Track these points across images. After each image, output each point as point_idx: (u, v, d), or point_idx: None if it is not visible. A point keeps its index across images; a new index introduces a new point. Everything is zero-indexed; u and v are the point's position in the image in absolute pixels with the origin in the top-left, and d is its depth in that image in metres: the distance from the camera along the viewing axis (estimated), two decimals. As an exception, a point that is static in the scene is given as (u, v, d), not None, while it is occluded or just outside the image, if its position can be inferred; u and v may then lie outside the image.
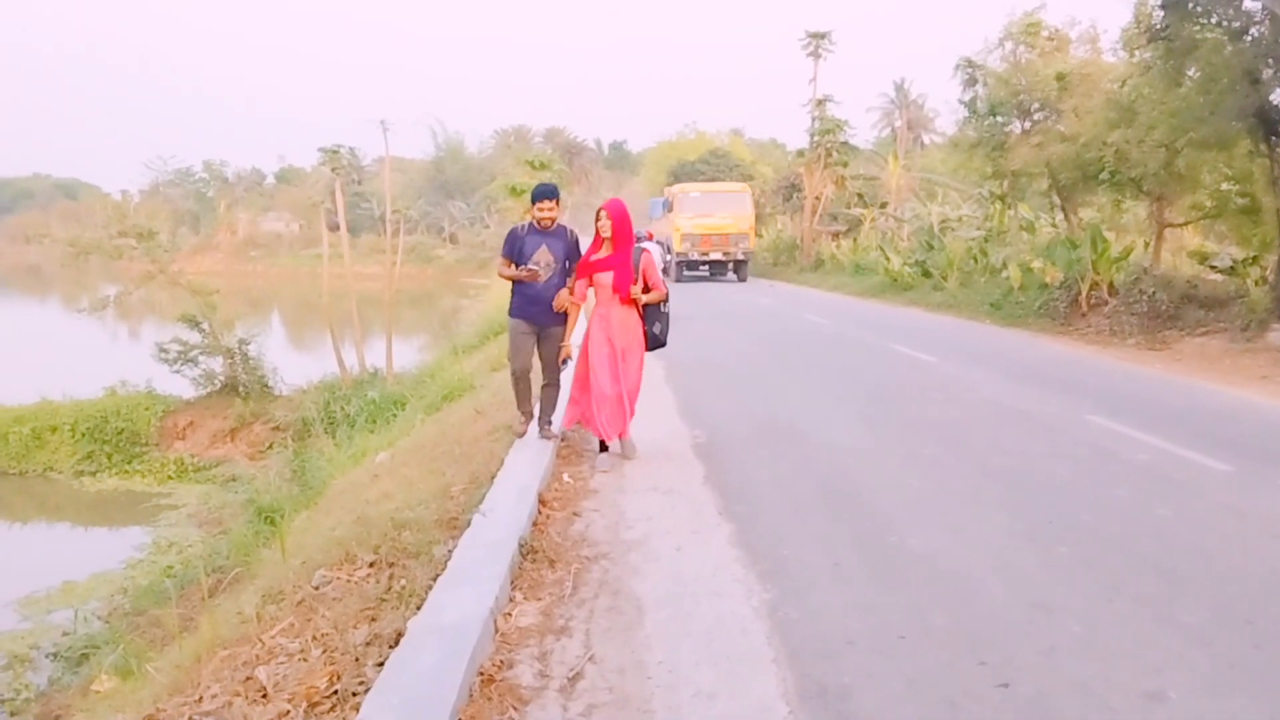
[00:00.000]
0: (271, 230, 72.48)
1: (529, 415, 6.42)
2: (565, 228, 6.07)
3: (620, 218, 6.01)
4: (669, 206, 28.90)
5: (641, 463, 6.24)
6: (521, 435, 6.36)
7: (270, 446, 16.50)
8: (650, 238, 16.19)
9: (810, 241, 36.57)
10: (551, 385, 6.36)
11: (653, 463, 6.26)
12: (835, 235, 38.84)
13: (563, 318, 6.15)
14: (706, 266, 28.76)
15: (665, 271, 21.69)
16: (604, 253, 6.08)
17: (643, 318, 6.22)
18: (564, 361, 6.18)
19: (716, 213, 28.17)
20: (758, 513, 5.29)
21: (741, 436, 7.26)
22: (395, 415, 12.97)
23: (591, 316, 6.23)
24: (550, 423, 6.41)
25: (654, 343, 6.29)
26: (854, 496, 5.64)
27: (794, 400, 8.85)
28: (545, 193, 6.02)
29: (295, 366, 21.12)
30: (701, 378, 10.18)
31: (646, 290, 6.17)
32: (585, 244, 6.25)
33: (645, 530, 4.93)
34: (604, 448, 6.33)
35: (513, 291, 6.05)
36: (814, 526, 5.04)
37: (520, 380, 6.35)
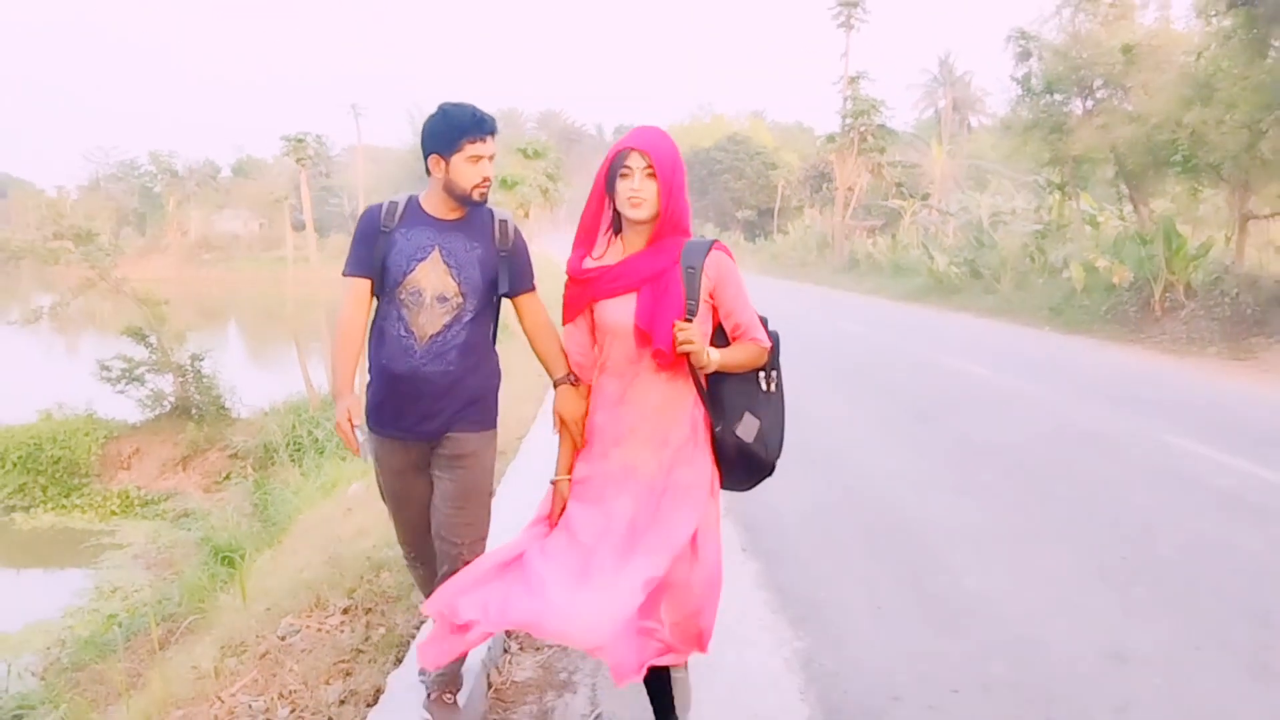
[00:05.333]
0: (228, 230, 73.12)
1: (452, 682, 3.21)
2: (494, 214, 3.08)
3: (669, 163, 2.73)
4: None
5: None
6: (443, 705, 3.17)
7: (227, 477, 16.61)
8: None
9: (843, 238, 37.31)
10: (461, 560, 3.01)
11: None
12: (871, 231, 39.49)
13: (487, 413, 3.10)
14: None
15: None
16: (610, 254, 2.84)
17: (706, 404, 2.83)
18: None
19: None
20: (787, 549, 5.29)
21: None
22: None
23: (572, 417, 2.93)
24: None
25: (745, 470, 2.88)
26: (899, 530, 5.63)
27: (828, 420, 8.84)
28: (472, 124, 2.91)
29: (256, 385, 21.26)
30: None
31: (727, 338, 2.85)
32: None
33: (658, 570, 4.97)
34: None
35: (371, 355, 3.07)
36: (853, 565, 5.03)
37: (423, 575, 3.34)
